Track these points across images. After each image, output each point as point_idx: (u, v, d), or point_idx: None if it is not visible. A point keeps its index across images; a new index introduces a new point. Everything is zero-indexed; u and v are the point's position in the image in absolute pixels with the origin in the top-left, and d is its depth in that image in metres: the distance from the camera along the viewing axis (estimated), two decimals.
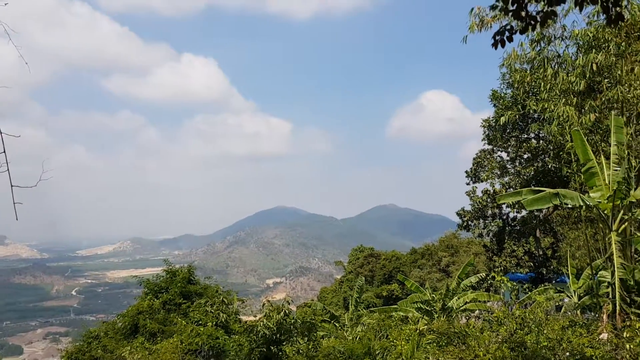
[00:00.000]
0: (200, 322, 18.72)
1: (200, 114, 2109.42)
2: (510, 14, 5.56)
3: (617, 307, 12.38)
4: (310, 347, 17.00)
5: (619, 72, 17.41)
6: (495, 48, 6.22)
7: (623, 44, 17.36)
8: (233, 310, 20.89)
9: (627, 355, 10.15)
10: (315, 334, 19.12)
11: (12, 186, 3.73)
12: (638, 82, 17.15)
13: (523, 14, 5.54)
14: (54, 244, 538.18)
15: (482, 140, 34.56)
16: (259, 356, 15.52)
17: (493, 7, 5.72)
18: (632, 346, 10.08)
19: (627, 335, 10.50)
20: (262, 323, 15.73)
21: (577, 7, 5.50)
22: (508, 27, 5.88)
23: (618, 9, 5.39)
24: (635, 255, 14.91)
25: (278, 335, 15.68)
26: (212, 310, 19.19)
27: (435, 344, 13.87)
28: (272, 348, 15.53)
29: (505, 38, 5.90)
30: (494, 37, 6.01)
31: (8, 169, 3.64)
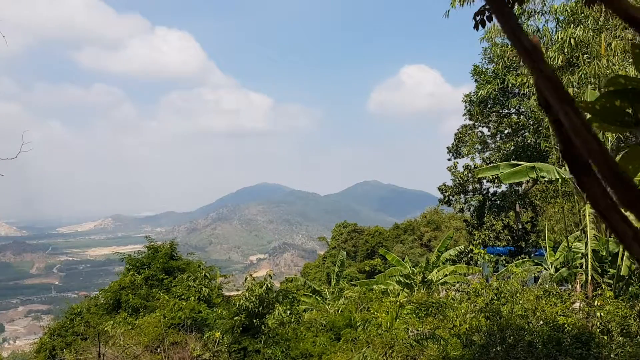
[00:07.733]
0: (182, 297, 18.83)
1: (178, 89, 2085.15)
2: None
3: (589, 277, 12.74)
4: (292, 319, 17.24)
5: (597, 46, 17.57)
6: (477, 29, 6.24)
7: (601, 18, 17.51)
8: (216, 285, 21.03)
9: (598, 323, 10.49)
10: (297, 307, 19.38)
11: None
12: (616, 57, 17.33)
13: None
14: (33, 221, 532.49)
15: (464, 115, 34.73)
16: (241, 328, 15.72)
17: None
18: (602, 314, 10.42)
19: (598, 303, 10.84)
20: (244, 296, 15.92)
21: None
22: (488, 6, 5.88)
23: None
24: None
25: (260, 308, 15.88)
26: (195, 285, 19.31)
27: (414, 315, 14.18)
28: (254, 320, 15.73)
29: (485, 18, 5.93)
30: (474, 18, 6.02)
31: None
